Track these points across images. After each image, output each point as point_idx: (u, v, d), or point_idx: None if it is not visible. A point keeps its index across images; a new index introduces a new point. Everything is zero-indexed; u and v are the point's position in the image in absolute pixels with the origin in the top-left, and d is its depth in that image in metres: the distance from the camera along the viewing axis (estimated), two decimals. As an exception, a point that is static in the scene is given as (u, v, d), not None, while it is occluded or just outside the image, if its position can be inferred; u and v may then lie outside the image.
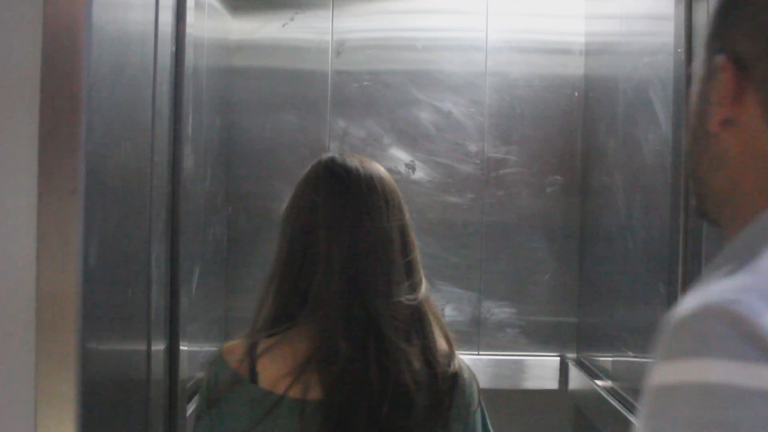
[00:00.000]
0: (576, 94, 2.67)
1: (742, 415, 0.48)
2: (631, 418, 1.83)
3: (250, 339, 1.27)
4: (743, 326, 0.52)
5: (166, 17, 1.39)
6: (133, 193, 1.25)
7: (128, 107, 1.21)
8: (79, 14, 1.00)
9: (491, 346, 2.67)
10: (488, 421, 1.34)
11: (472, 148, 2.75)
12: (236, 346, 1.28)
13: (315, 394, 1.19)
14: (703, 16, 1.56)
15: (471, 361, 2.78)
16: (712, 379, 0.50)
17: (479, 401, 1.32)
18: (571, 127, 2.65)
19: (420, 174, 2.77)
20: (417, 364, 1.22)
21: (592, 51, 2.66)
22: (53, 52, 0.99)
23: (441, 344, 1.28)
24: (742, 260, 0.58)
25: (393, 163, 2.76)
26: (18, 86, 1.00)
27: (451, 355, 1.29)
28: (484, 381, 2.68)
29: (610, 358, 2.20)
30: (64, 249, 0.99)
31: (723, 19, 0.66)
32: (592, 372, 2.38)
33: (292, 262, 1.26)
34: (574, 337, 2.64)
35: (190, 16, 1.49)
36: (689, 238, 1.64)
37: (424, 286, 1.27)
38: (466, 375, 1.31)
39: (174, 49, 1.44)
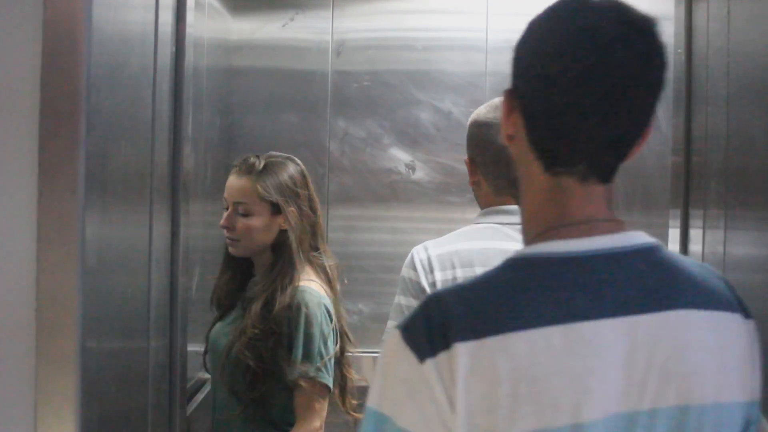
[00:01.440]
0: (576, 94, 2.67)
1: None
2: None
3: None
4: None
5: (166, 17, 1.39)
6: (133, 193, 1.25)
7: (128, 107, 1.21)
8: (79, 14, 1.00)
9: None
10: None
11: (472, 148, 2.75)
12: (318, 287, 1.91)
13: None
14: (703, 16, 1.56)
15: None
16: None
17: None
18: (571, 127, 2.65)
19: (420, 174, 2.76)
20: None
21: (592, 51, 2.65)
22: (53, 52, 0.99)
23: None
24: None
25: (393, 163, 2.76)
26: (18, 86, 1.00)
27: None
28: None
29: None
30: (64, 249, 0.99)
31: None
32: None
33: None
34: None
35: (190, 16, 1.49)
36: (689, 238, 1.64)
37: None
38: None
39: (174, 49, 1.44)
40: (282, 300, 1.83)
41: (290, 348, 1.82)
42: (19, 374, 1.00)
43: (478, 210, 1.58)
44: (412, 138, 2.75)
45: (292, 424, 1.85)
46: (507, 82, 0.91)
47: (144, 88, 1.29)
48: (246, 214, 1.89)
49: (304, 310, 1.82)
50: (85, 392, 1.01)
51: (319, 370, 1.82)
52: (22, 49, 1.00)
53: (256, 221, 1.90)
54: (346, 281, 2.17)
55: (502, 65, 2.83)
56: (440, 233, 2.86)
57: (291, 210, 1.91)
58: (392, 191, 2.77)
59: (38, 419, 0.99)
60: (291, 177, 1.93)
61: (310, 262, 1.95)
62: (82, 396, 1.01)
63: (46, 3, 0.99)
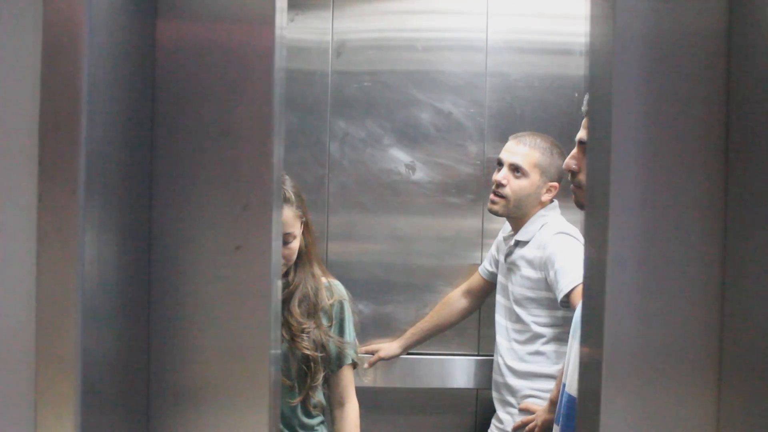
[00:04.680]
0: (576, 95, 2.67)
1: None
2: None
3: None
4: None
5: (167, 17, 1.39)
6: (133, 192, 1.25)
7: (128, 107, 1.21)
8: (79, 14, 1.00)
9: (491, 348, 2.66)
10: None
11: (473, 148, 2.75)
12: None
13: None
14: (703, 16, 1.56)
15: (471, 361, 2.78)
16: None
17: None
18: (571, 127, 2.65)
19: (420, 175, 2.76)
20: None
21: (592, 51, 2.65)
22: (53, 52, 0.99)
23: None
24: None
25: (393, 164, 2.76)
26: (18, 86, 1.00)
27: None
28: (484, 381, 2.68)
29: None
30: (64, 249, 0.99)
31: None
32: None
33: None
34: (574, 338, 2.63)
35: (191, 17, 1.49)
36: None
37: None
38: None
39: (174, 49, 1.44)
40: (322, 296, 2.08)
41: (340, 335, 2.11)
42: (19, 374, 1.00)
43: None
44: (412, 138, 2.76)
45: (319, 407, 2.12)
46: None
47: (144, 87, 1.29)
48: (291, 240, 2.05)
49: (346, 302, 2.13)
50: (85, 392, 1.01)
51: (357, 353, 2.17)
52: (22, 49, 1.00)
53: (297, 242, 2.07)
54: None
55: (502, 66, 2.85)
56: (440, 234, 2.86)
57: (309, 218, 2.12)
58: (392, 192, 2.77)
59: (38, 419, 0.99)
60: (298, 188, 2.10)
61: (319, 259, 2.19)
62: (82, 396, 1.01)
63: (46, 3, 0.99)
